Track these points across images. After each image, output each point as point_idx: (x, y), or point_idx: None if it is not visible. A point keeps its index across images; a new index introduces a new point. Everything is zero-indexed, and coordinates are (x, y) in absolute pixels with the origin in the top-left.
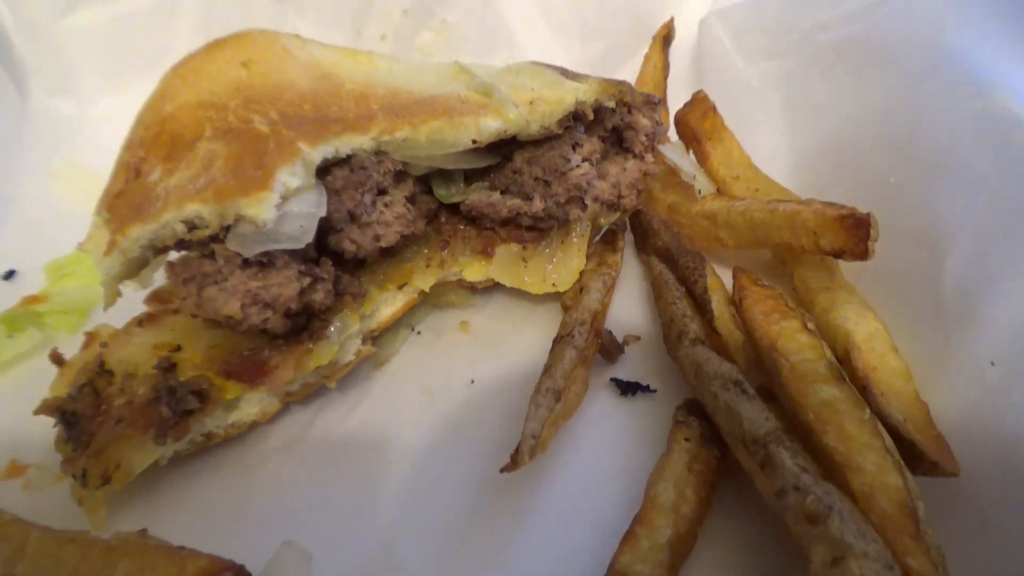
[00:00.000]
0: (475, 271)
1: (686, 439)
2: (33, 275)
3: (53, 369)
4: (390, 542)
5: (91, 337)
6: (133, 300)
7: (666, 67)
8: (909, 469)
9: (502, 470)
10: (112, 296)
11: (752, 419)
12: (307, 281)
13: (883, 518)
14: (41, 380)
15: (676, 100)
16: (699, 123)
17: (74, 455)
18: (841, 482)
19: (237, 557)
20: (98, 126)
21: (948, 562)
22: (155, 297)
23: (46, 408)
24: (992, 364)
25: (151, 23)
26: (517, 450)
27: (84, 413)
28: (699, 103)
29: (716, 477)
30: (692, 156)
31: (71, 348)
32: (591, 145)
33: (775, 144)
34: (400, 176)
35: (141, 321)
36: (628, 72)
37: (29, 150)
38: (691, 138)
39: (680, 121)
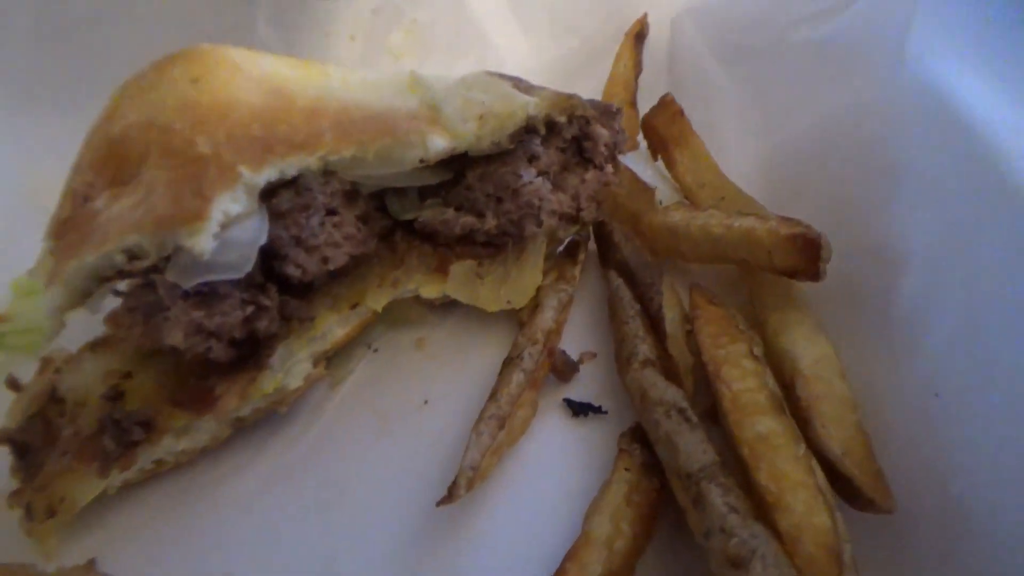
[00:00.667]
0: (430, 289)
1: (627, 468)
2: (1, 291)
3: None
4: (334, 570)
5: (46, 362)
6: (95, 319)
7: (638, 65)
8: (848, 504)
9: (438, 503)
10: (56, 327)
11: (689, 452)
12: (251, 309)
13: (808, 561)
14: (3, 403)
15: (652, 97)
16: (666, 128)
17: (21, 487)
18: (771, 522)
19: None
20: (61, 139)
21: None
22: (112, 319)
23: None
24: (936, 395)
25: (109, 33)
26: (454, 482)
27: (34, 444)
28: (666, 107)
29: (656, 509)
30: (660, 162)
31: (32, 370)
32: (548, 157)
33: (744, 148)
34: (350, 195)
35: (94, 346)
36: (602, 69)
37: (1, 161)
38: (658, 143)
39: (647, 125)
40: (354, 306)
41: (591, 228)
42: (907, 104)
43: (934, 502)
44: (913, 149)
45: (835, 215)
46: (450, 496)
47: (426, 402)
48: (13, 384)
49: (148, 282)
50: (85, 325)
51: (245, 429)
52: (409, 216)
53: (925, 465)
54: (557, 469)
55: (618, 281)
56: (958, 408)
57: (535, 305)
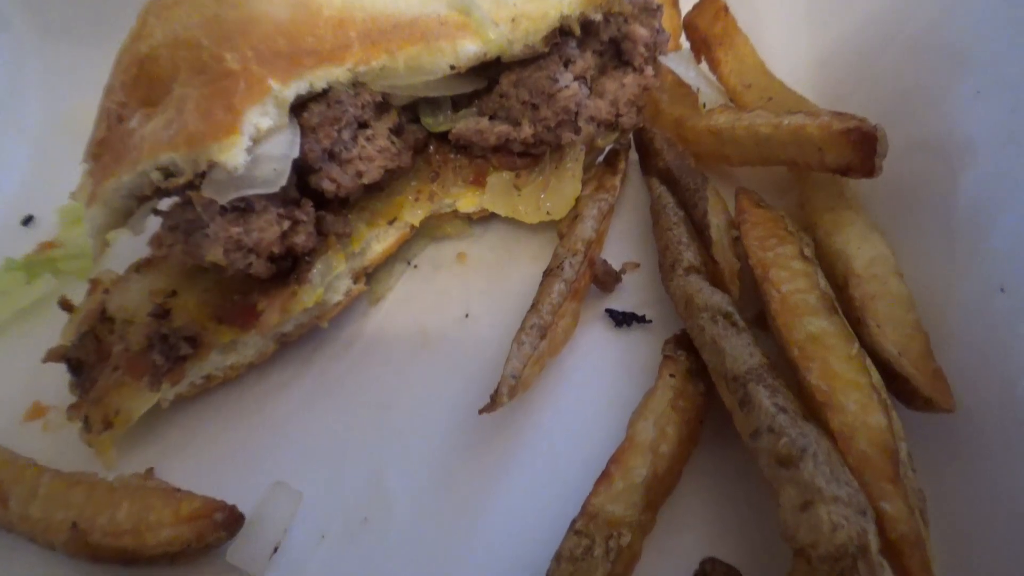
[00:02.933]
0: (468, 202)
1: (672, 375)
2: (49, 220)
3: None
4: (380, 479)
5: (95, 284)
6: (142, 242)
7: None
8: (904, 405)
9: (481, 411)
10: (100, 247)
11: (735, 356)
12: (287, 224)
13: (861, 460)
14: (59, 324)
15: None
16: (709, 27)
17: (78, 401)
18: (823, 422)
19: (235, 495)
20: (103, 65)
21: (942, 504)
22: (155, 240)
23: (53, 355)
24: (1002, 291)
25: None
26: (496, 390)
27: (87, 360)
28: (709, 4)
29: (702, 413)
30: (703, 65)
31: (82, 292)
32: (584, 61)
33: (794, 45)
34: (382, 107)
35: (139, 267)
36: None
37: (42, 92)
38: (702, 43)
39: (689, 25)
40: (391, 221)
41: (631, 136)
42: None
43: (998, 401)
44: (979, 32)
45: (891, 110)
46: (492, 404)
47: (467, 315)
48: (66, 305)
49: (186, 200)
50: (132, 249)
51: (290, 345)
52: (443, 128)
53: (988, 363)
54: (600, 378)
55: (661, 188)
56: None
57: (575, 215)
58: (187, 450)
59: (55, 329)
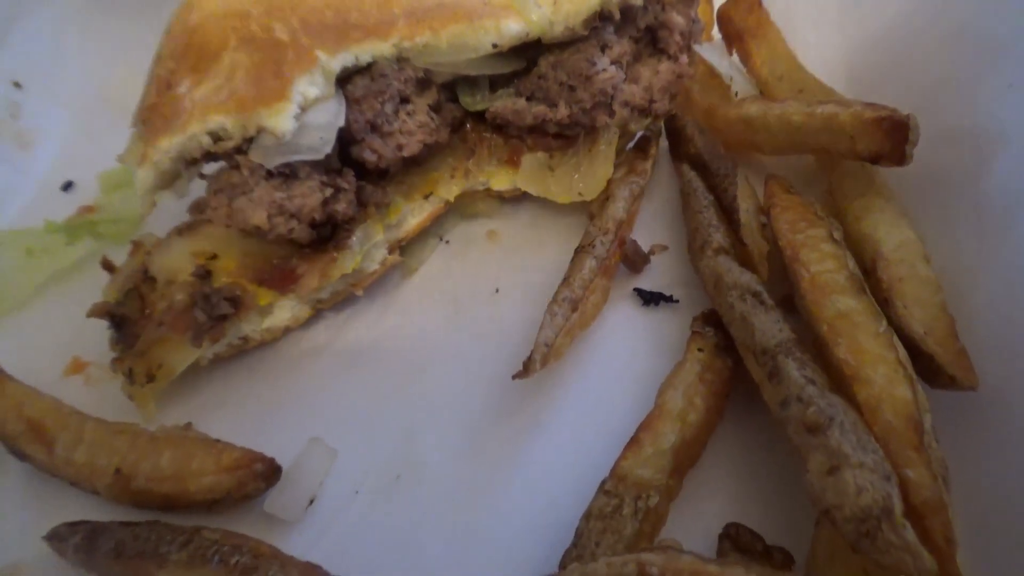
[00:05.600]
0: (501, 180)
1: (700, 349)
2: (89, 185)
3: (106, 275)
4: (413, 439)
5: (137, 246)
6: (180, 208)
7: None
8: (928, 383)
9: (514, 376)
10: (148, 206)
11: (764, 330)
12: (329, 192)
13: (887, 430)
14: (96, 285)
15: None
16: (743, 19)
17: (122, 355)
18: (849, 395)
19: (269, 452)
20: (146, 34)
21: (964, 478)
22: (196, 206)
23: (97, 311)
24: None
25: None
26: (530, 357)
27: (130, 316)
28: None
29: (728, 387)
30: (735, 55)
31: (122, 255)
32: (621, 47)
33: (826, 38)
34: (423, 84)
35: (181, 230)
36: None
37: (82, 60)
38: (734, 35)
39: (723, 17)
40: (427, 196)
41: (663, 123)
42: None
43: (1019, 381)
44: (1012, 26)
45: (922, 101)
46: (525, 370)
47: (497, 291)
48: (108, 265)
49: (232, 165)
50: (171, 215)
51: (324, 312)
52: (481, 107)
53: (1013, 345)
54: (627, 353)
55: (691, 173)
56: None
57: (606, 197)
58: (224, 408)
59: (93, 290)
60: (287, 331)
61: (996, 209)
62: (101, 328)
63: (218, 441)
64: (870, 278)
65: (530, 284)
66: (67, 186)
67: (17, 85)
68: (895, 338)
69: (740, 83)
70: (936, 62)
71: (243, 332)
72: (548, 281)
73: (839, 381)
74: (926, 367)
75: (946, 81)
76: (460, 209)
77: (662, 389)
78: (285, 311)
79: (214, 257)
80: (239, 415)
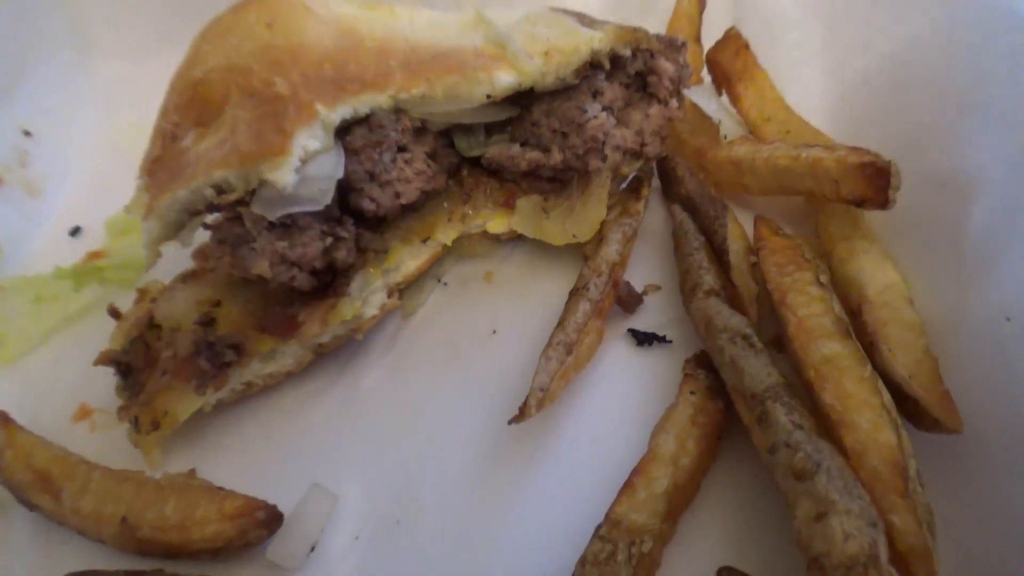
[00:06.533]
0: (497, 223)
1: (692, 392)
2: (96, 231)
3: (113, 320)
4: (412, 483)
5: (143, 293)
6: (184, 254)
7: (702, 1)
8: (913, 425)
9: (510, 421)
10: (153, 257)
11: (753, 374)
12: (329, 240)
13: (873, 476)
14: (104, 331)
15: (715, 34)
16: (731, 62)
17: (127, 403)
18: (836, 439)
19: (271, 497)
20: (155, 83)
21: (949, 522)
22: (200, 253)
23: (104, 359)
24: (1008, 319)
25: None
26: (525, 402)
27: (136, 364)
28: (731, 40)
29: (720, 430)
30: (724, 98)
31: (128, 300)
32: (612, 92)
33: (811, 81)
34: (420, 132)
35: (185, 277)
36: (664, 7)
37: (91, 109)
38: (723, 77)
39: (711, 60)
40: (425, 240)
41: (654, 164)
42: (984, 29)
43: (1004, 423)
44: (987, 75)
45: (904, 146)
46: (521, 415)
47: (494, 332)
48: (114, 312)
49: (235, 215)
50: (176, 261)
51: (325, 356)
52: (476, 152)
53: (995, 388)
54: (623, 395)
55: (683, 214)
56: None
57: (600, 239)
58: (227, 453)
59: (100, 335)
60: (289, 376)
61: (975, 253)
62: (108, 374)
63: (221, 489)
64: (856, 320)
65: (527, 324)
66: (75, 231)
67: (27, 133)
68: (880, 382)
69: (730, 124)
70: (915, 109)
71: (246, 378)
72: (545, 320)
73: (826, 425)
74: (911, 410)
75: (925, 127)
76: (457, 251)
77: (655, 433)
78: (288, 357)
79: (218, 304)
80: (242, 460)
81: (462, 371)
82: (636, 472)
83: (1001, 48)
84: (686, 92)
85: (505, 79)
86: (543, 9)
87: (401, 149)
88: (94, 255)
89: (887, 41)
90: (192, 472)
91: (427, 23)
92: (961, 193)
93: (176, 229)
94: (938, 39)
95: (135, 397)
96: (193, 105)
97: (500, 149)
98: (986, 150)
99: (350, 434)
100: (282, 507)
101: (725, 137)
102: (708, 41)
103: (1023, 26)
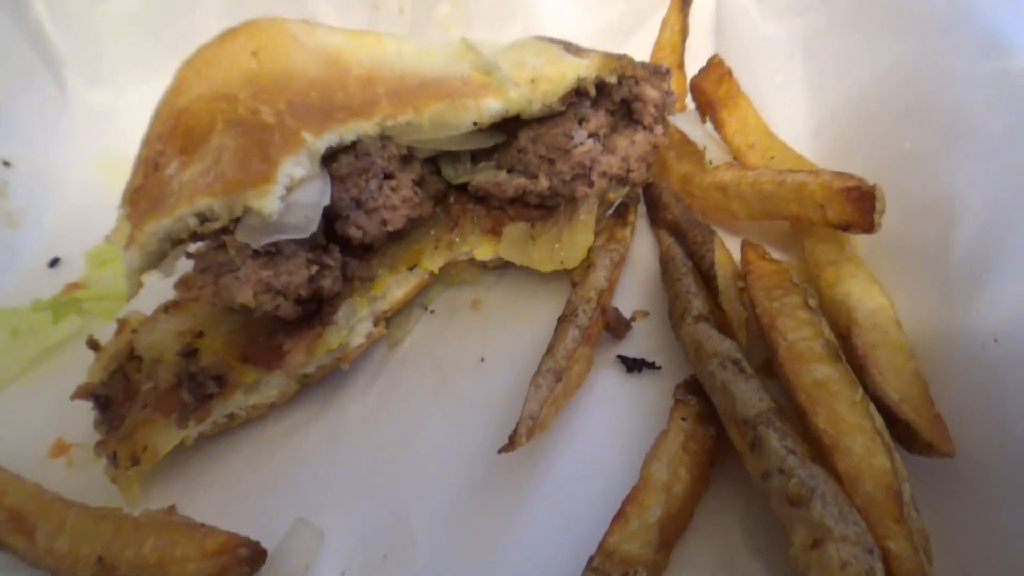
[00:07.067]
0: (484, 250)
1: (683, 418)
2: (75, 262)
3: (92, 353)
4: (400, 516)
5: (123, 324)
6: (166, 285)
7: (684, 30)
8: (905, 449)
9: (500, 451)
10: (134, 287)
11: (745, 400)
12: (315, 268)
13: (867, 501)
14: (82, 363)
15: (699, 62)
16: (714, 89)
17: (106, 438)
18: (830, 464)
19: (255, 532)
20: (135, 113)
21: (942, 544)
22: (182, 283)
23: (82, 393)
24: (995, 341)
25: (178, 7)
26: (515, 431)
27: (115, 398)
28: (714, 68)
29: (712, 456)
30: (708, 124)
31: (108, 332)
32: (598, 119)
33: (794, 107)
34: (406, 159)
35: (167, 308)
36: (647, 35)
37: (70, 140)
38: (707, 105)
39: (695, 87)
40: (412, 267)
41: (641, 190)
42: (966, 55)
43: (995, 445)
44: (969, 101)
45: (888, 171)
46: (511, 444)
47: (482, 360)
48: (93, 344)
49: (219, 244)
50: (157, 292)
51: (310, 386)
52: (463, 180)
53: (985, 410)
54: (612, 421)
55: (670, 240)
56: (1018, 352)
57: (587, 265)
58: (209, 488)
59: (79, 368)
60: (273, 407)
61: (961, 276)
62: (86, 408)
63: (202, 525)
64: (845, 344)
65: (515, 352)
66: (54, 262)
67: (6, 163)
68: (872, 406)
69: (715, 151)
70: (898, 135)
71: (229, 410)
72: (533, 348)
73: (819, 449)
74: (903, 434)
75: (909, 153)
76: (444, 278)
77: (646, 461)
78: (271, 388)
79: (200, 335)
80: (225, 495)
81: (450, 400)
82: (628, 501)
83: (982, 74)
84: (671, 119)
85: (492, 106)
86: (529, 37)
87: (387, 176)
88: (73, 286)
89: (868, 67)
90: (172, 508)
91: (414, 51)
92: (945, 217)
93: (158, 258)
94: (919, 65)
95: (114, 431)
96: (177, 134)
97: (487, 176)
98: (969, 174)
99: (336, 466)
100: (266, 543)
101: (711, 163)
102: (691, 69)
103: (1004, 52)
